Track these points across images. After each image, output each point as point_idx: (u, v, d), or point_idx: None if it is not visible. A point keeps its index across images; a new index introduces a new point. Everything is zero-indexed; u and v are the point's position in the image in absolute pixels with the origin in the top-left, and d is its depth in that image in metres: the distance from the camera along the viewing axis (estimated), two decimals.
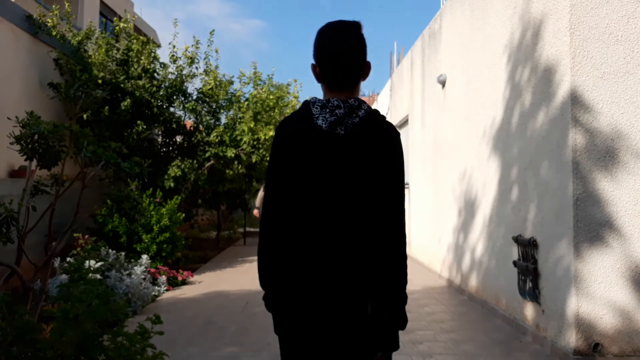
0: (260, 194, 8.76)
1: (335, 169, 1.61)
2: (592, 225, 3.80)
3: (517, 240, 4.64)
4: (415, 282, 7.19)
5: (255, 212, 9.00)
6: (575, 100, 3.86)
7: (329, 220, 1.61)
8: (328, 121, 1.62)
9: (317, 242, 1.62)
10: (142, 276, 5.95)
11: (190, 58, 8.66)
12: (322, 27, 1.73)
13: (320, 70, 1.70)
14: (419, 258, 8.64)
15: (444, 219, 7.13)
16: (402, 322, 1.61)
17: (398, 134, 1.69)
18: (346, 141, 1.61)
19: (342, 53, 1.66)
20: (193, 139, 8.73)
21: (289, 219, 1.66)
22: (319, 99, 1.68)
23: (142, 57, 8.19)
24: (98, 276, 5.11)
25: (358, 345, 1.60)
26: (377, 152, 1.62)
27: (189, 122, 9.19)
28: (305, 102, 1.70)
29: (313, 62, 1.72)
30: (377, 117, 1.68)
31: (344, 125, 1.62)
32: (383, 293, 1.58)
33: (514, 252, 4.74)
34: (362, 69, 1.71)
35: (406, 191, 9.81)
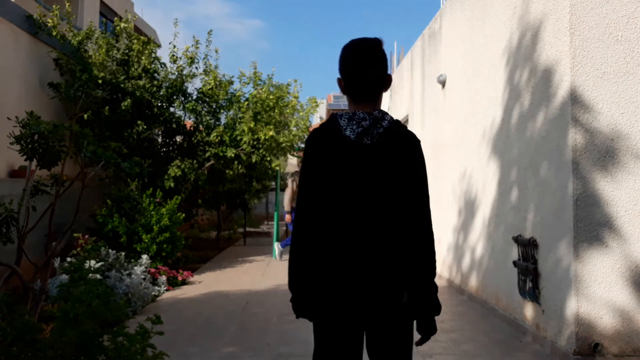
0: (287, 197, 8.86)
1: (364, 175, 1.77)
2: (592, 225, 3.80)
3: (517, 240, 4.64)
4: None
5: (288, 217, 9.27)
6: (575, 100, 3.86)
7: (361, 222, 1.76)
8: (355, 132, 1.78)
9: (351, 242, 1.76)
10: (142, 276, 5.95)
11: (190, 58, 8.66)
12: (346, 45, 1.89)
13: (345, 85, 1.87)
14: None
15: (444, 218, 7.13)
16: (436, 309, 1.80)
17: (419, 141, 1.86)
18: (372, 150, 1.77)
19: (366, 69, 1.83)
20: (193, 139, 8.73)
21: (323, 223, 1.80)
22: (346, 113, 1.83)
23: (143, 57, 8.18)
24: (98, 276, 5.12)
25: (394, 333, 1.80)
26: (401, 158, 1.78)
27: (189, 122, 9.19)
28: (333, 115, 1.85)
29: (339, 76, 1.90)
30: (399, 127, 1.84)
31: (370, 136, 1.78)
32: (419, 286, 1.76)
33: (514, 252, 4.74)
34: (384, 83, 1.89)
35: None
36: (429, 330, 1.80)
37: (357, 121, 1.80)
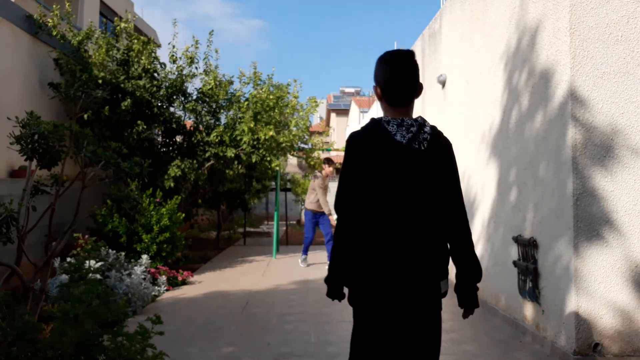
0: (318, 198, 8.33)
1: (416, 176, 1.98)
2: (592, 224, 3.81)
3: (517, 240, 4.64)
4: None
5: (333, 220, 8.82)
6: (574, 100, 3.86)
7: (412, 218, 1.97)
8: (406, 138, 1.99)
9: (404, 236, 1.96)
10: (142, 276, 5.95)
11: (190, 58, 8.65)
12: (382, 56, 2.12)
13: (383, 92, 2.09)
14: None
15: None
16: (481, 274, 2.11)
17: (451, 145, 2.14)
18: (422, 154, 1.99)
19: (402, 77, 2.07)
20: (193, 139, 8.73)
21: (374, 219, 1.97)
22: (392, 119, 2.03)
23: (143, 57, 8.18)
24: (98, 276, 5.12)
25: (435, 311, 2.09)
26: (443, 160, 2.04)
27: (189, 122, 9.18)
28: (378, 121, 2.04)
29: (374, 84, 2.14)
30: (438, 132, 2.09)
31: (418, 141, 2.00)
32: (469, 264, 2.06)
33: (514, 252, 4.74)
34: (417, 89, 2.11)
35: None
36: (474, 304, 2.18)
37: (406, 127, 2.00)
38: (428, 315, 2.07)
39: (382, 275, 1.96)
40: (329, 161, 8.54)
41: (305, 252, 8.70)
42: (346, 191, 2.02)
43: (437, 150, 2.03)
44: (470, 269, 2.07)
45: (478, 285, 2.13)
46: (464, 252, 2.06)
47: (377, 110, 14.48)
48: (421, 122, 2.04)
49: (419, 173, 1.98)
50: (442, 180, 2.02)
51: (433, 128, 2.07)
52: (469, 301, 2.14)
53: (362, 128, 2.07)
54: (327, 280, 2.16)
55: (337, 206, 2.05)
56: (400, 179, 1.97)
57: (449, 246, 2.08)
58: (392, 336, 2.02)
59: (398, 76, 2.07)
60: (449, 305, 5.84)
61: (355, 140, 2.04)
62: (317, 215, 8.40)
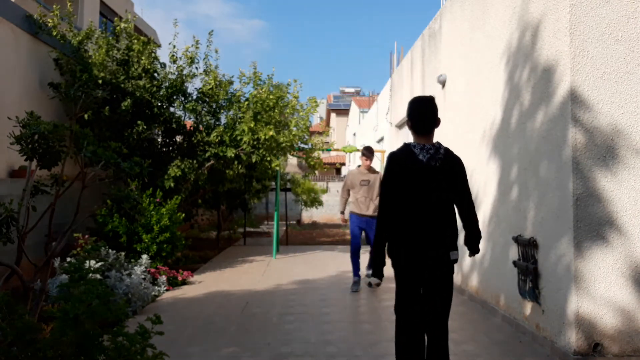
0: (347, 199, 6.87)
1: (432, 183, 2.97)
2: (593, 224, 3.80)
3: (517, 240, 4.64)
4: None
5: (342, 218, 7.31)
6: (575, 100, 3.86)
7: (431, 212, 2.97)
8: (426, 157, 2.98)
9: (425, 223, 2.96)
10: (142, 276, 5.95)
11: (190, 58, 8.65)
12: (413, 100, 3.17)
13: (412, 125, 3.10)
14: None
15: None
16: (480, 239, 3.22)
17: (461, 160, 3.14)
18: (437, 169, 2.98)
19: (427, 115, 3.08)
20: (193, 139, 8.72)
21: (405, 212, 2.98)
22: (417, 144, 3.03)
23: (143, 57, 8.18)
24: (98, 276, 5.12)
25: (446, 268, 3.02)
26: (453, 171, 3.04)
27: (189, 122, 9.17)
28: (408, 145, 3.04)
29: (407, 119, 3.17)
30: (449, 152, 3.08)
31: (434, 160, 2.98)
32: (475, 232, 3.17)
33: (514, 252, 4.74)
34: (435, 124, 3.10)
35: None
36: (477, 250, 3.25)
37: (426, 150, 2.99)
38: (442, 270, 3.01)
39: (412, 246, 2.97)
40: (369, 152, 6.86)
41: (356, 269, 6.70)
42: (387, 195, 3.01)
43: (449, 166, 3.02)
44: (474, 235, 3.20)
45: (479, 251, 3.30)
46: (470, 226, 3.17)
47: (377, 111, 14.49)
48: (437, 147, 3.03)
49: (434, 181, 2.97)
50: (452, 185, 3.03)
51: (446, 150, 3.05)
52: (473, 250, 3.25)
53: (398, 149, 3.07)
54: (375, 261, 3.08)
55: (382, 204, 3.04)
56: (421, 185, 2.96)
57: (461, 222, 3.16)
58: (418, 281, 3.00)
59: (422, 115, 3.07)
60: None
61: (392, 158, 3.06)
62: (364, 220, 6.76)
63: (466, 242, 3.23)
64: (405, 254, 2.97)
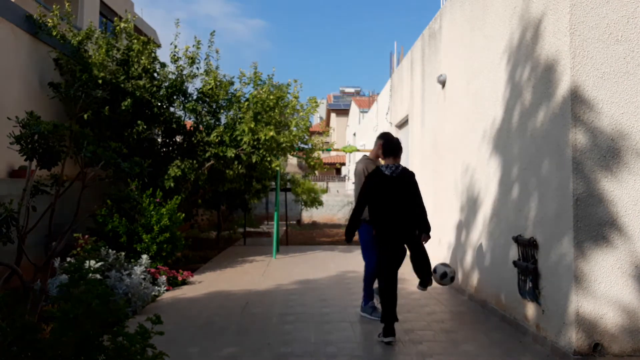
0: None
1: (394, 190, 4.51)
2: (593, 224, 3.80)
3: (517, 240, 4.64)
4: (415, 282, 7.18)
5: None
6: (575, 100, 3.86)
7: (394, 210, 4.51)
8: (389, 171, 4.54)
9: (391, 218, 4.51)
10: (142, 276, 5.95)
11: (191, 58, 8.64)
12: (387, 136, 5.11)
13: (384, 152, 4.74)
14: None
15: (444, 219, 7.13)
16: (429, 229, 4.72)
17: (414, 174, 4.68)
18: (396, 179, 4.53)
19: (389, 148, 4.72)
20: (193, 139, 8.72)
21: (374, 211, 4.59)
22: (385, 165, 4.62)
23: (143, 57, 8.17)
24: (98, 276, 5.12)
25: (412, 241, 4.66)
26: (408, 182, 4.58)
27: (189, 122, 9.17)
28: (378, 167, 4.65)
29: (380, 147, 5.02)
30: (405, 169, 4.62)
31: (395, 173, 4.53)
32: (424, 224, 4.66)
33: (514, 252, 4.74)
34: (399, 152, 4.74)
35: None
36: (428, 231, 4.69)
37: (389, 168, 4.58)
38: (409, 237, 4.66)
39: (385, 229, 4.55)
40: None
41: (368, 292, 5.35)
42: (361, 199, 4.67)
43: (403, 177, 4.57)
44: (423, 226, 4.69)
45: (430, 234, 4.77)
46: (421, 221, 4.65)
47: (377, 111, 14.49)
48: (397, 166, 4.61)
49: (396, 188, 4.53)
50: (408, 192, 4.58)
51: (404, 168, 4.63)
52: (425, 232, 4.71)
53: (376, 169, 4.68)
54: (347, 232, 4.80)
55: (358, 204, 4.73)
56: (387, 191, 4.54)
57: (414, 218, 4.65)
58: (394, 247, 4.59)
59: (388, 147, 4.74)
60: (449, 305, 5.87)
61: (370, 174, 4.67)
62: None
63: (420, 230, 4.70)
64: (384, 229, 4.55)
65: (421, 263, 4.76)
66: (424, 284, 4.85)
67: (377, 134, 15.47)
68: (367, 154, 5.64)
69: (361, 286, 5.77)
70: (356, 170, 5.41)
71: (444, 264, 5.21)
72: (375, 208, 4.56)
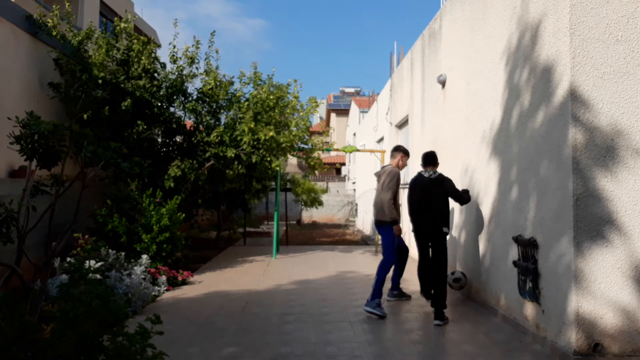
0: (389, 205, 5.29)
1: (430, 190, 5.33)
2: (593, 224, 3.81)
3: (517, 240, 4.64)
4: (415, 282, 7.18)
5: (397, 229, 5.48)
6: (575, 100, 3.86)
7: (428, 206, 5.31)
8: (427, 175, 5.41)
9: (421, 213, 5.41)
10: (142, 276, 5.95)
11: (191, 58, 8.64)
12: (424, 154, 5.65)
13: (422, 163, 5.59)
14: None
15: None
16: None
17: (445, 176, 5.44)
18: (432, 181, 5.34)
19: (427, 160, 5.58)
20: (193, 139, 8.72)
21: (413, 207, 5.50)
22: (424, 170, 5.49)
23: (143, 57, 8.17)
24: (98, 276, 5.12)
25: (436, 233, 5.30)
26: (442, 182, 5.35)
27: (189, 122, 9.17)
28: (420, 172, 5.52)
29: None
30: (439, 174, 5.41)
31: (432, 176, 5.38)
32: (444, 220, 5.29)
33: (514, 252, 4.74)
34: (433, 164, 5.53)
35: (406, 191, 9.79)
36: (447, 226, 5.32)
37: (427, 173, 5.42)
38: (437, 237, 5.28)
39: (413, 223, 5.52)
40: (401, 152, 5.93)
41: (378, 289, 5.35)
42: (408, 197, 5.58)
43: (438, 180, 5.32)
44: (444, 220, 5.34)
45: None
46: (430, 219, 5.37)
47: (377, 111, 14.48)
48: (433, 172, 5.41)
49: (431, 189, 5.30)
50: (442, 191, 5.31)
51: (439, 173, 5.40)
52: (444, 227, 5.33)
53: (418, 174, 5.52)
54: (393, 222, 5.43)
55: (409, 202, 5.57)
56: (423, 191, 5.38)
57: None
58: (424, 240, 5.48)
59: (426, 159, 5.56)
60: (450, 305, 5.85)
61: (414, 178, 5.55)
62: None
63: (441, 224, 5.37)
64: (416, 227, 5.48)
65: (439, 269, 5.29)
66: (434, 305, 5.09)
67: (377, 134, 15.33)
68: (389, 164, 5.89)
69: (361, 286, 5.77)
70: (392, 174, 5.55)
71: (462, 272, 5.93)
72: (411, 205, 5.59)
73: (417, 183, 5.41)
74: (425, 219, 5.29)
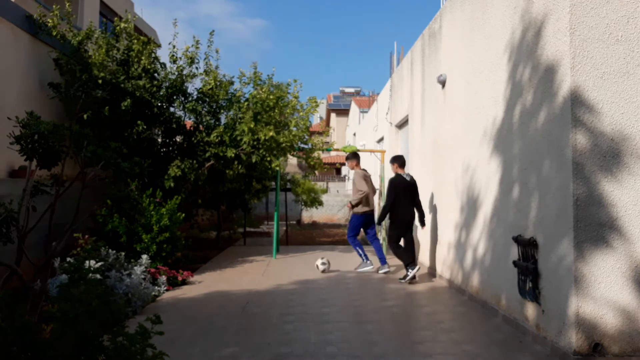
0: (359, 195, 7.88)
1: (410, 190, 7.43)
2: (593, 225, 3.80)
3: (517, 240, 4.64)
4: (415, 282, 7.19)
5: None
6: (575, 100, 3.86)
7: (409, 203, 7.43)
8: (407, 177, 7.48)
9: (406, 208, 7.42)
10: (142, 276, 5.95)
11: (191, 58, 8.64)
12: (396, 157, 7.77)
13: (398, 166, 7.62)
14: (417, 257, 8.63)
15: (444, 219, 7.13)
16: (423, 217, 7.59)
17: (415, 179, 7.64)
18: (411, 182, 7.44)
19: (404, 162, 7.73)
20: (193, 139, 8.72)
21: (396, 203, 7.34)
22: (402, 173, 7.57)
23: (143, 57, 8.17)
24: (98, 276, 5.11)
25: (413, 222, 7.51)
26: (415, 185, 7.51)
27: (189, 122, 9.16)
28: (399, 174, 7.54)
29: (393, 163, 7.71)
30: (412, 176, 7.57)
31: (409, 178, 7.48)
32: (421, 214, 7.49)
33: (514, 252, 4.74)
34: (404, 165, 7.71)
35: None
36: (424, 221, 7.52)
37: (406, 175, 7.52)
38: (412, 224, 7.49)
39: (399, 216, 7.39)
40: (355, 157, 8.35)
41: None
42: (389, 197, 7.37)
43: (413, 181, 7.46)
44: (421, 216, 7.45)
45: (426, 223, 7.75)
46: (420, 212, 7.45)
47: (377, 111, 14.48)
48: (408, 174, 7.53)
49: (411, 188, 7.42)
50: (417, 191, 7.49)
51: (411, 176, 7.55)
52: (421, 222, 7.46)
53: (398, 175, 7.53)
54: (380, 218, 7.62)
55: (388, 201, 7.40)
56: (406, 191, 7.39)
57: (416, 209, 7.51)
58: (406, 228, 7.45)
59: (404, 162, 7.70)
60: (450, 305, 5.85)
61: (395, 178, 7.46)
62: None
63: (419, 219, 7.45)
64: (400, 218, 7.34)
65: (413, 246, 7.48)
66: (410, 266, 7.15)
67: (377, 134, 15.36)
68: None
69: (361, 286, 5.90)
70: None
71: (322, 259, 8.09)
72: (396, 204, 7.38)
73: (403, 183, 7.33)
74: (411, 212, 7.36)
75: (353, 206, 7.98)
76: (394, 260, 8.66)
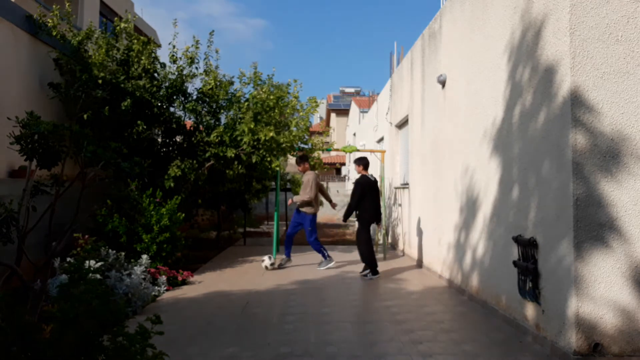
0: (305, 197, 8.38)
1: (375, 189, 7.81)
2: (593, 225, 3.80)
3: (517, 240, 4.64)
4: (415, 282, 7.19)
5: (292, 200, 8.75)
6: (575, 101, 3.86)
7: (374, 203, 7.76)
8: (372, 177, 7.83)
9: (372, 207, 7.72)
10: (142, 276, 5.95)
11: (190, 58, 8.64)
12: (361, 158, 8.13)
13: (362, 166, 8.03)
14: (417, 257, 8.63)
15: (444, 219, 7.13)
16: (380, 217, 8.14)
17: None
18: (374, 182, 7.81)
19: (367, 164, 8.08)
20: (193, 139, 8.72)
21: (362, 203, 7.64)
22: (370, 175, 7.91)
23: (143, 57, 8.17)
24: (98, 276, 5.11)
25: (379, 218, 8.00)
26: (376, 184, 7.86)
27: (189, 122, 9.16)
28: (366, 176, 7.84)
29: (359, 165, 8.09)
30: (374, 177, 7.93)
31: (373, 179, 7.83)
32: (379, 213, 7.96)
33: (514, 252, 4.74)
34: (367, 167, 8.08)
35: (406, 191, 9.80)
36: (379, 220, 8.04)
37: (371, 176, 7.87)
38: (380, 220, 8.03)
39: (368, 214, 7.69)
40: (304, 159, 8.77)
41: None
42: (358, 196, 7.64)
43: (377, 181, 7.86)
44: (379, 216, 7.91)
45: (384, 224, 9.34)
46: (379, 212, 7.88)
47: (377, 111, 14.49)
48: (372, 175, 7.91)
49: (374, 189, 7.77)
50: (378, 191, 7.92)
51: (374, 177, 7.91)
52: (378, 220, 7.91)
53: (364, 176, 7.82)
54: (345, 216, 7.75)
55: (355, 201, 7.70)
56: (370, 190, 7.70)
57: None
58: (370, 224, 7.78)
59: (368, 164, 8.06)
60: (450, 305, 5.85)
61: (361, 180, 7.74)
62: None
63: (376, 219, 7.85)
64: (367, 217, 7.65)
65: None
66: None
67: (377, 133, 15.37)
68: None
69: (361, 285, 5.92)
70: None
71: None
72: (363, 202, 7.69)
73: (368, 183, 7.68)
74: (377, 210, 7.80)
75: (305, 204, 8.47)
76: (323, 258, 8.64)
